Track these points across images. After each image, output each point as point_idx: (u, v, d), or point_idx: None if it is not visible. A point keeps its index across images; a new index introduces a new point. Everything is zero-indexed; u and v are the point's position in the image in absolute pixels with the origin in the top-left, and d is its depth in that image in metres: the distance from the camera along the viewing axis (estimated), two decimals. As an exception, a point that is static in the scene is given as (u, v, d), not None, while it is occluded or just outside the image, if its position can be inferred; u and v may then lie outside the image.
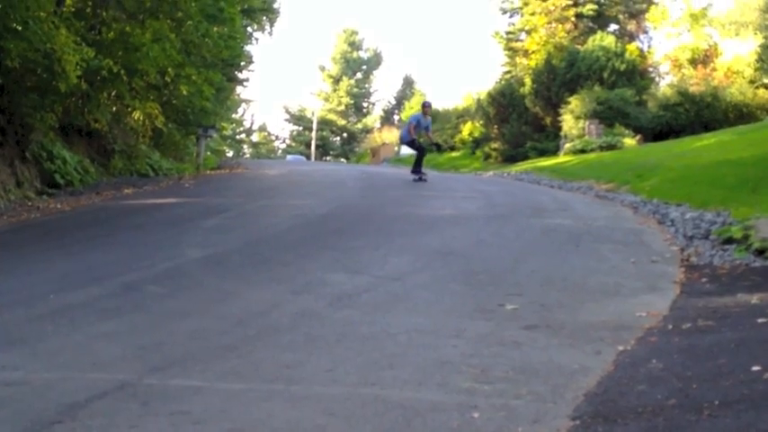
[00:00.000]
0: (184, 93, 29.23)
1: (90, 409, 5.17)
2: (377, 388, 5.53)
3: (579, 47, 44.31)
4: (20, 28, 18.23)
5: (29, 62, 19.28)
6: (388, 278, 9.75)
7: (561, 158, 35.12)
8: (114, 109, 27.92)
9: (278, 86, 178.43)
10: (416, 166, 24.61)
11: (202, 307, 8.42)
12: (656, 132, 37.09)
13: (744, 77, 40.32)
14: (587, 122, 37.39)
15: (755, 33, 43.71)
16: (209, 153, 40.70)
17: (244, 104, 78.18)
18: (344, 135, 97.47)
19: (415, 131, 24.61)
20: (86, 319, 7.96)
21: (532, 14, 52.29)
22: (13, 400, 5.39)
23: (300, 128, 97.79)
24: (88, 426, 4.86)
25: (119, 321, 7.83)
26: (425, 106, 26.07)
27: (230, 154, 76.49)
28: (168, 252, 11.80)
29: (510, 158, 42.01)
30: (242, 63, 41.59)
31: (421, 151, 24.92)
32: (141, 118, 28.48)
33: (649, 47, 51.91)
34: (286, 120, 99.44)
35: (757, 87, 39.02)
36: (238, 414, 5.08)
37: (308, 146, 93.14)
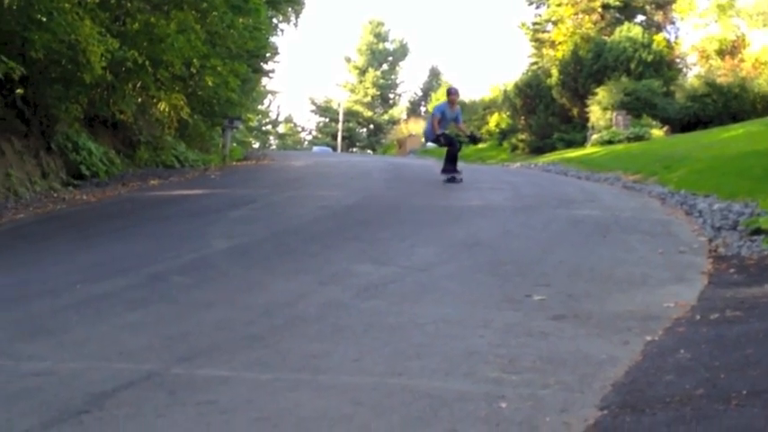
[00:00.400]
0: (210, 84, 29.28)
1: (117, 398, 5.18)
2: (404, 378, 5.51)
3: (606, 38, 44.17)
4: (44, 19, 18.31)
5: (53, 53, 19.37)
6: (414, 269, 9.74)
7: (588, 150, 35.03)
8: (139, 100, 28.05)
9: (304, 78, 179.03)
10: (447, 164, 20.61)
11: (228, 297, 8.43)
12: (684, 123, 36.91)
13: (772, 68, 40.09)
14: (614, 113, 37.27)
15: (783, 24, 43.48)
16: (234, 144, 40.73)
17: (270, 96, 78.38)
18: (371, 126, 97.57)
19: (441, 125, 20.56)
20: (112, 309, 7.97)
21: (559, 5, 52.17)
22: (40, 390, 5.39)
23: (327, 119, 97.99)
24: (115, 415, 4.87)
25: (145, 312, 7.84)
26: (451, 93, 21.39)
27: (256, 145, 76.66)
28: (194, 243, 11.83)
29: (537, 150, 41.94)
30: (267, 54, 41.60)
31: (453, 146, 20.72)
32: (167, 109, 28.59)
33: (676, 38, 51.79)
34: (312, 111, 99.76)
35: (786, 78, 38.77)
36: (265, 403, 5.07)
37: (335, 137, 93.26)
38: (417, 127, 70.35)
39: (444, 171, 20.69)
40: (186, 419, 4.80)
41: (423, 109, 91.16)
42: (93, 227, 14.38)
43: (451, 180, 20.30)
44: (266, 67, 45.25)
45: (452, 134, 22.29)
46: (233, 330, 7.00)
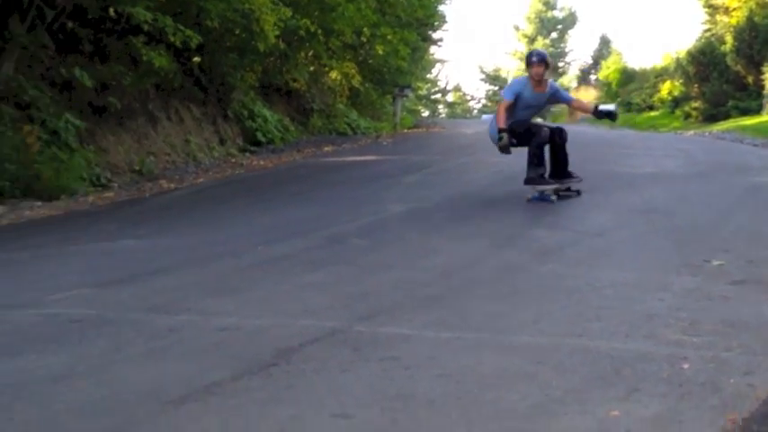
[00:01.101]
0: (380, 52, 29.57)
1: (303, 353, 5.31)
2: (584, 339, 5.51)
3: (784, 2, 42.94)
4: (218, -12, 18.74)
5: (228, 22, 19.84)
6: (589, 234, 9.70)
7: (765, 117, 34.14)
8: (312, 69, 28.47)
9: (472, 47, 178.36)
10: (533, 169, 12.14)
11: (406, 259, 8.55)
12: None
13: None
14: (792, 80, 36.28)
15: None
16: (404, 113, 40.98)
17: (438, 64, 78.41)
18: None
19: (516, 114, 12.32)
20: (293, 269, 8.18)
21: (734, -30, 50.83)
22: (228, 344, 5.59)
23: (496, 87, 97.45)
24: (302, 369, 4.99)
25: (325, 272, 8.01)
26: (532, 63, 12.41)
27: (425, 114, 76.77)
28: (370, 207, 12.01)
29: (710, 118, 41.04)
30: (436, 23, 41.66)
31: (537, 135, 12.20)
32: (338, 77, 28.94)
33: None
34: (481, 80, 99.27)
35: None
36: (447, 361, 5.13)
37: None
38: (588, 95, 69.55)
39: (529, 180, 12.24)
40: (370, 374, 4.90)
41: (593, 77, 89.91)
42: (269, 191, 14.75)
43: (541, 198, 12.06)
44: (435, 35, 45.37)
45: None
46: (412, 291, 7.09)
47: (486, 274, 7.79)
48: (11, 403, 4.61)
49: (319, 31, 23.79)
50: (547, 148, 12.23)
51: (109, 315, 6.50)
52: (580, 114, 56.46)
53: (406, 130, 32.04)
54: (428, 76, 72.45)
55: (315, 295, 6.99)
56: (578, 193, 12.41)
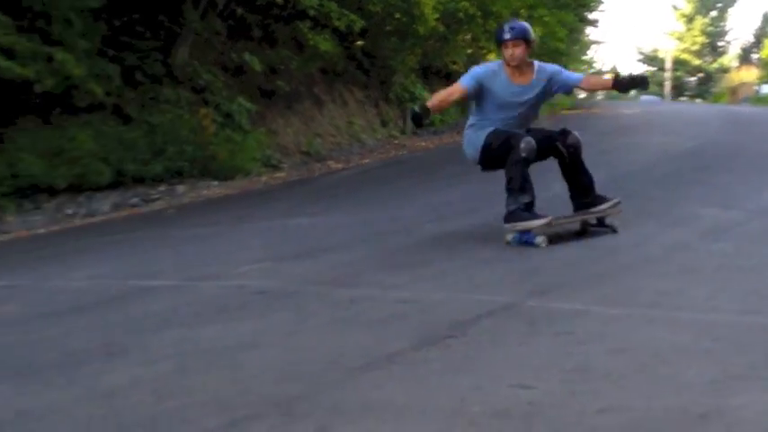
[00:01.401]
0: (538, 33, 29.42)
1: (478, 326, 5.44)
2: (762, 316, 5.46)
3: None
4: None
5: (389, 6, 20.08)
6: (762, 212, 9.59)
7: None
8: (470, 51, 28.52)
9: (629, 27, 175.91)
10: (514, 198, 8.24)
11: (573, 237, 8.62)
12: None
13: None
14: None
15: None
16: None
17: (594, 46, 77.59)
18: (700, 75, 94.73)
19: (492, 117, 8.45)
20: (463, 245, 8.40)
21: None
22: (406, 316, 5.75)
23: (654, 69, 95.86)
24: (479, 341, 5.11)
25: (494, 249, 8.13)
26: (506, 41, 8.23)
27: (582, 95, 75.97)
28: (547, 185, 12.09)
29: None
30: (593, 3, 41.31)
31: (512, 150, 8.19)
32: (496, 59, 28.96)
33: None
34: (639, 60, 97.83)
35: None
36: (619, 336, 5.16)
37: (662, 86, 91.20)
38: (750, 75, 68.03)
39: (509, 216, 8.27)
40: (546, 348, 4.96)
41: (755, 56, 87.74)
42: (433, 171, 14.98)
43: (523, 241, 8.13)
44: (591, 16, 44.96)
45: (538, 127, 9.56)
46: (580, 268, 7.18)
47: (654, 251, 7.78)
48: (204, 368, 4.90)
49: (478, 14, 23.84)
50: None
51: (290, 287, 6.82)
52: (741, 96, 55.22)
53: (563, 112, 31.86)
54: (584, 57, 71.72)
55: (486, 271, 7.15)
56: (614, 230, 8.62)
